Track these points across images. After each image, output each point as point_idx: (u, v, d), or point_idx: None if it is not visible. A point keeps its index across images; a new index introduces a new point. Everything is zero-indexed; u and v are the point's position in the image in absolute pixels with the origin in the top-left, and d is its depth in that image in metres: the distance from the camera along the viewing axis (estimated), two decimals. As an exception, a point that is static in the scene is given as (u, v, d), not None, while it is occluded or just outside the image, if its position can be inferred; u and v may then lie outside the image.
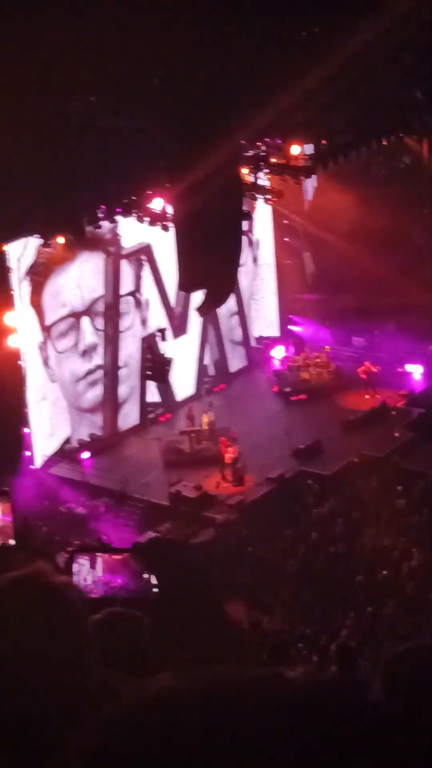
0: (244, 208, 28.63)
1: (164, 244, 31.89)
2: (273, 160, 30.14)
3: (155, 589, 5.02)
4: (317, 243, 38.45)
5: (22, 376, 30.39)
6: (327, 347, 37.35)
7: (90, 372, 33.01)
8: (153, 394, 34.99)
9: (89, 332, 32.69)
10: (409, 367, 35.76)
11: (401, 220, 36.02)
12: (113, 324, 33.40)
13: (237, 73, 23.45)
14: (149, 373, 33.13)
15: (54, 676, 2.21)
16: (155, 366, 32.55)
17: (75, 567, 4.81)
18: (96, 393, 33.37)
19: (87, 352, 32.76)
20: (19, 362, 30.04)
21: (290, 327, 39.66)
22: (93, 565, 4.93)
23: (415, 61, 26.09)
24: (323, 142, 29.63)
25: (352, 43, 23.27)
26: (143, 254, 34.11)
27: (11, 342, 29.12)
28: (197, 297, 31.71)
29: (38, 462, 31.50)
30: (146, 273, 34.51)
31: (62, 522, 28.79)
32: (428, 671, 1.99)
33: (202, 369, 37.07)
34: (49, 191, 24.85)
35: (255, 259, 38.87)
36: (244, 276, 36.50)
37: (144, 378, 33.96)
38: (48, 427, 31.87)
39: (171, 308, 35.35)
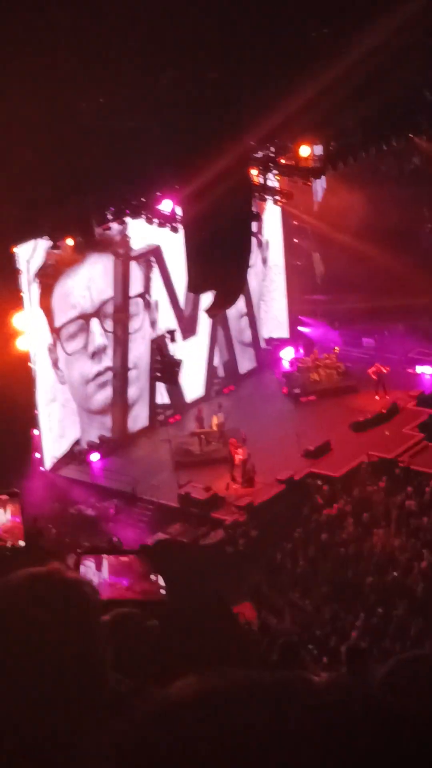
0: (254, 209, 28.63)
1: (173, 246, 31.89)
2: (282, 161, 30.11)
3: (162, 591, 5.00)
4: (327, 244, 38.38)
5: (32, 378, 30.43)
6: (336, 348, 37.30)
7: (99, 374, 33.01)
8: (162, 396, 34.97)
9: (99, 334, 32.68)
10: (419, 368, 35.71)
11: (411, 221, 35.98)
12: (122, 326, 33.40)
13: (246, 75, 23.44)
14: (159, 374, 33.10)
15: (72, 671, 2.21)
16: (165, 367, 32.52)
17: (81, 569, 4.79)
18: (105, 395, 33.36)
19: (96, 354, 32.76)
20: (29, 364, 30.09)
21: (300, 328, 39.62)
22: (99, 567, 4.91)
23: (424, 62, 26.07)
24: (332, 143, 29.61)
25: (362, 45, 23.26)
26: (152, 256, 34.10)
27: (21, 344, 29.19)
28: (207, 298, 31.73)
29: (48, 464, 31.51)
30: (155, 274, 34.49)
31: (72, 523, 28.80)
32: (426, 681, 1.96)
33: (211, 370, 37.04)
34: (58, 193, 24.90)
35: (264, 261, 38.83)
36: (253, 277, 36.47)
37: (153, 380, 33.95)
38: (57, 429, 31.87)
39: (180, 310, 35.33)
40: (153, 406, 34.72)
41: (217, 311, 32.53)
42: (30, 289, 30.02)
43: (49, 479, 31.10)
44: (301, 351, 38.29)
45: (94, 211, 27.59)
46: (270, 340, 39.32)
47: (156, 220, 29.22)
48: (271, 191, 31.49)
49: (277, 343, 39.15)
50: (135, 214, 29.29)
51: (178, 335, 34.24)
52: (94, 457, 31.97)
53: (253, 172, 29.78)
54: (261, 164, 29.81)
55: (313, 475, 29.87)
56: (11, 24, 20.31)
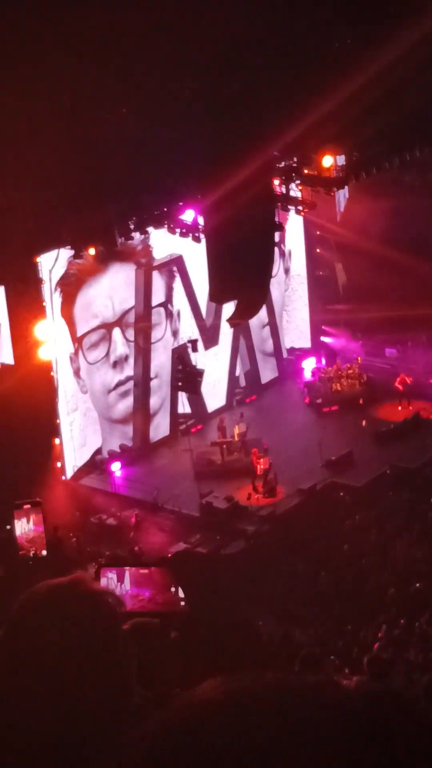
0: (276, 219, 28.63)
1: (196, 256, 31.92)
2: (305, 171, 30.10)
3: (183, 602, 4.98)
4: (349, 254, 38.36)
5: (54, 387, 30.51)
6: (359, 358, 37.25)
7: (121, 383, 33.06)
8: (184, 406, 34.99)
9: (120, 343, 32.74)
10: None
11: (434, 231, 35.91)
12: (144, 335, 33.45)
13: (269, 85, 23.44)
14: (180, 384, 33.13)
15: (97, 683, 2.19)
16: (186, 377, 32.53)
17: (103, 581, 4.77)
18: (127, 404, 33.40)
19: (118, 363, 32.81)
20: (51, 373, 30.18)
21: (322, 338, 39.60)
22: (121, 579, 4.90)
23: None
24: (355, 153, 29.58)
25: (385, 55, 23.22)
26: (175, 265, 34.16)
27: (43, 353, 29.28)
28: (229, 308, 31.74)
29: (69, 473, 31.55)
30: (177, 284, 34.55)
31: (93, 533, 28.82)
32: None
33: (233, 380, 37.06)
34: (80, 203, 24.95)
35: (287, 271, 38.85)
36: (275, 287, 36.49)
37: (175, 389, 33.97)
38: (79, 438, 31.92)
39: (202, 319, 35.36)
40: (174, 416, 34.74)
41: (239, 321, 32.52)
42: (52, 299, 30.11)
43: (70, 488, 31.14)
44: (324, 361, 38.25)
45: (116, 220, 27.66)
46: (292, 350, 39.33)
47: (178, 230, 29.26)
48: (294, 201, 31.49)
49: (299, 353, 39.15)
50: (157, 224, 29.36)
51: (200, 345, 34.25)
52: (116, 466, 31.98)
53: (276, 182, 29.80)
54: (284, 174, 29.82)
55: (335, 486, 29.81)
56: (35, 35, 20.38)
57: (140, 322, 33.24)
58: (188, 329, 34.79)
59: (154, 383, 34.02)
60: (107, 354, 32.50)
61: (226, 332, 35.83)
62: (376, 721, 1.45)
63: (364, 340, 38.24)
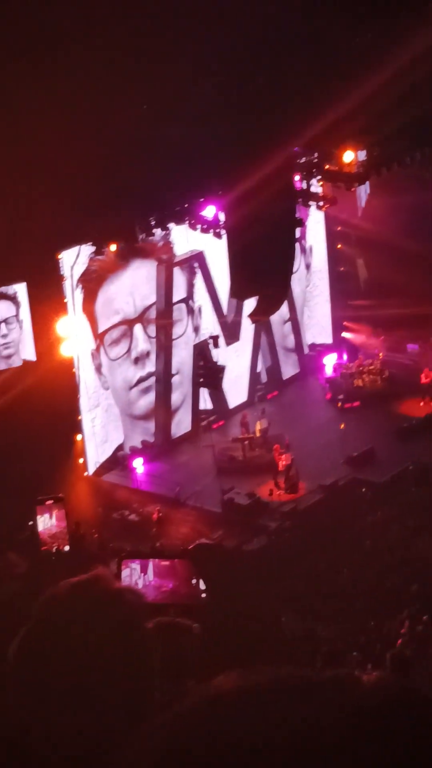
0: (297, 215, 28.59)
1: (217, 252, 31.92)
2: (326, 166, 30.04)
3: (203, 595, 4.99)
4: (371, 249, 38.27)
5: (76, 384, 30.58)
6: (380, 354, 37.17)
7: (142, 379, 33.09)
8: (205, 402, 35.00)
9: (142, 339, 32.77)
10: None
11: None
12: (166, 331, 33.47)
13: (290, 80, 23.41)
14: (202, 380, 33.14)
15: (118, 680, 2.21)
16: (208, 373, 32.55)
17: (126, 572, 4.79)
18: (148, 400, 33.43)
19: (139, 360, 32.85)
20: (73, 370, 30.25)
21: (343, 334, 39.53)
22: (144, 570, 4.92)
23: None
24: (376, 148, 29.50)
25: (406, 50, 23.15)
26: (196, 261, 34.16)
27: (65, 350, 29.36)
28: (250, 304, 31.71)
29: (91, 469, 31.62)
30: (199, 280, 34.55)
31: (115, 529, 28.88)
32: None
33: (254, 376, 37.04)
34: (101, 199, 24.98)
35: (308, 266, 38.80)
36: (296, 283, 36.44)
37: (196, 385, 33.98)
38: (101, 434, 31.98)
39: (223, 315, 35.35)
40: (196, 412, 34.75)
41: (260, 317, 32.50)
42: (74, 295, 30.17)
43: (92, 484, 31.21)
44: (345, 357, 38.17)
45: (137, 217, 27.69)
46: (313, 346, 39.27)
47: (199, 226, 29.27)
48: (315, 197, 31.41)
49: (320, 349, 39.08)
50: (178, 220, 29.37)
51: (221, 341, 34.25)
52: (138, 462, 32.02)
53: (297, 177, 29.75)
54: (305, 170, 29.76)
55: (357, 482, 29.77)
56: (57, 34, 20.43)
57: (161, 319, 33.25)
58: (209, 325, 34.80)
59: (175, 379, 34.04)
60: (128, 350, 32.54)
61: (247, 328, 35.81)
62: (393, 717, 1.45)
63: (386, 335, 38.14)
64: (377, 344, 38.06)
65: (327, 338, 39.65)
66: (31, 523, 21.58)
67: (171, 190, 27.17)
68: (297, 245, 32.25)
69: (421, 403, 34.29)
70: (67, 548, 13.63)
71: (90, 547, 25.32)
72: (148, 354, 33.05)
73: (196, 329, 34.61)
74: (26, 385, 27.72)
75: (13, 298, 29.04)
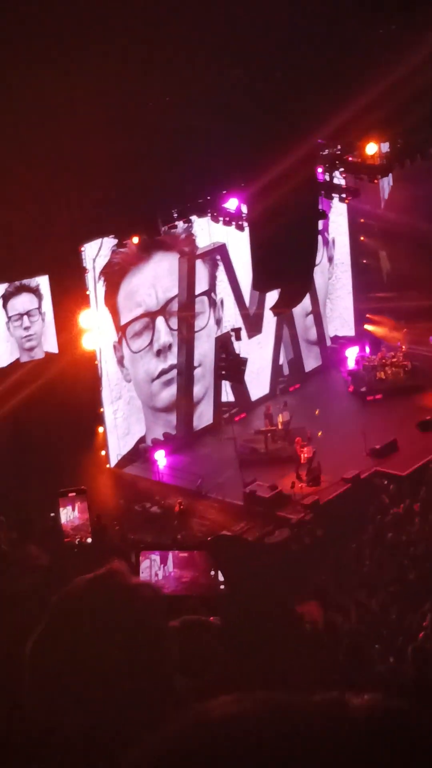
0: (320, 207, 28.54)
1: (239, 244, 31.90)
2: (349, 158, 29.97)
3: (222, 587, 5.01)
4: (394, 241, 38.16)
5: (98, 376, 30.64)
6: (403, 346, 37.07)
7: (164, 372, 33.11)
8: (227, 394, 35.01)
9: (164, 332, 32.79)
10: None
11: None
12: (188, 324, 33.46)
13: (313, 72, 23.36)
14: (224, 372, 33.14)
15: (135, 674, 2.21)
16: (230, 365, 32.53)
17: (145, 563, 4.82)
18: (170, 392, 33.46)
19: (161, 352, 32.87)
20: (95, 362, 30.31)
21: (366, 326, 39.43)
22: (164, 561, 4.94)
23: None
24: (399, 140, 29.41)
25: (430, 41, 23.05)
26: (218, 254, 34.14)
27: (87, 342, 29.42)
28: (272, 296, 31.69)
29: (113, 461, 31.68)
30: (221, 273, 34.53)
31: (137, 521, 28.94)
32: None
33: (276, 369, 37.01)
34: (124, 192, 25.01)
35: (330, 259, 38.71)
36: (319, 275, 36.35)
37: (218, 378, 33.98)
38: (123, 427, 32.04)
39: (246, 308, 35.33)
40: (218, 404, 34.76)
41: (282, 309, 32.47)
42: (96, 288, 30.21)
43: (114, 477, 31.28)
44: (368, 349, 38.09)
45: (160, 209, 27.70)
46: (336, 339, 39.20)
47: (222, 219, 29.25)
48: (338, 189, 31.35)
49: (343, 342, 39.01)
50: (201, 213, 29.36)
51: (244, 333, 34.22)
52: (159, 454, 32.06)
53: (319, 169, 29.69)
54: (327, 162, 29.70)
55: (379, 474, 29.72)
56: (77, 24, 20.44)
57: (183, 311, 33.25)
58: (231, 318, 34.78)
59: (197, 372, 34.05)
60: (151, 343, 32.56)
61: (269, 321, 35.78)
62: (382, 745, 1.45)
63: (408, 328, 38.02)
64: (400, 337, 37.93)
65: (349, 331, 39.57)
66: (53, 514, 21.68)
67: (193, 183, 27.17)
68: (319, 237, 32.17)
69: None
70: (89, 540, 13.66)
71: (111, 540, 25.36)
72: (170, 346, 33.07)
73: (218, 322, 34.59)
74: (48, 377, 27.81)
75: (35, 291, 29.12)
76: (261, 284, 29.22)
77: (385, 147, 29.83)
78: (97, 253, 29.82)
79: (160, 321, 32.66)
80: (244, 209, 28.34)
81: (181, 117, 23.81)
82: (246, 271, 31.96)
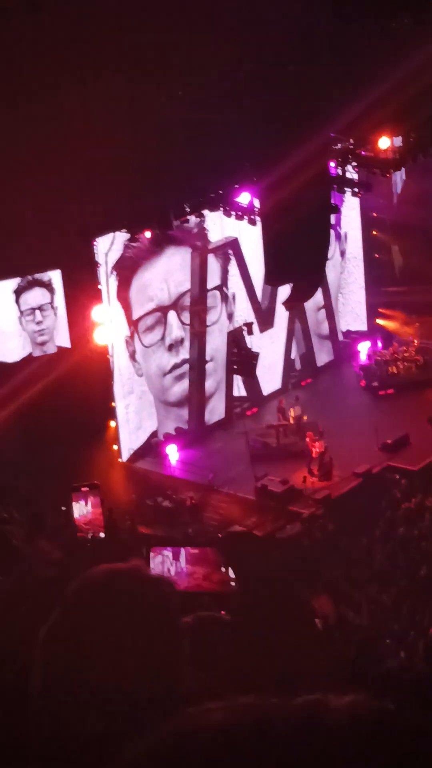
0: (332, 201, 28.49)
1: (251, 238, 31.88)
2: (362, 153, 29.92)
3: (233, 583, 5.01)
4: (406, 236, 38.09)
5: (110, 370, 30.66)
6: (415, 341, 37.02)
7: (176, 366, 33.12)
8: (239, 389, 35.00)
9: (176, 326, 32.80)
10: None
11: None
12: (200, 318, 33.46)
13: (326, 66, 23.32)
14: (236, 367, 33.13)
15: (149, 666, 2.22)
16: (242, 360, 32.52)
17: (158, 559, 4.83)
18: (182, 387, 33.47)
19: (173, 347, 32.87)
20: (107, 356, 30.33)
21: (378, 321, 39.38)
22: (176, 557, 4.95)
23: None
24: (412, 134, 29.34)
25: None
26: (230, 248, 34.12)
27: (99, 336, 29.44)
28: (284, 291, 31.67)
29: (125, 455, 31.71)
30: (233, 267, 34.52)
31: (148, 515, 28.97)
32: None
33: (288, 363, 36.99)
34: (136, 186, 25.01)
35: (342, 253, 38.66)
36: (331, 270, 36.32)
37: (230, 372, 33.97)
38: (135, 421, 32.06)
39: (258, 302, 35.32)
40: (230, 399, 34.76)
41: (294, 304, 32.43)
42: (108, 282, 30.23)
43: (126, 471, 31.31)
44: (380, 344, 38.04)
45: (172, 203, 27.70)
46: (348, 333, 39.17)
47: (234, 213, 29.23)
48: (350, 183, 31.29)
49: (355, 336, 38.98)
50: (213, 207, 29.35)
51: (255, 328, 34.20)
52: (171, 449, 32.07)
53: (332, 164, 29.64)
54: (340, 156, 29.65)
55: (390, 469, 29.70)
56: (89, 18, 20.45)
57: (196, 305, 33.26)
58: (243, 312, 34.77)
59: (209, 366, 34.05)
60: (163, 337, 32.57)
61: (281, 315, 35.75)
62: (363, 747, 1.45)
63: (421, 322, 37.96)
64: (412, 331, 37.88)
65: (361, 325, 39.53)
66: (64, 508, 21.68)
67: (205, 177, 27.15)
68: (332, 232, 32.12)
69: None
70: (102, 535, 13.69)
71: (122, 534, 25.40)
72: (182, 341, 33.07)
73: (230, 316, 34.59)
74: (61, 371, 27.85)
75: (47, 285, 29.16)
76: (273, 278, 29.19)
77: (398, 141, 29.76)
78: (109, 247, 29.84)
79: (172, 315, 32.67)
80: (257, 203, 28.33)
81: (194, 111, 23.80)
82: (258, 265, 31.94)
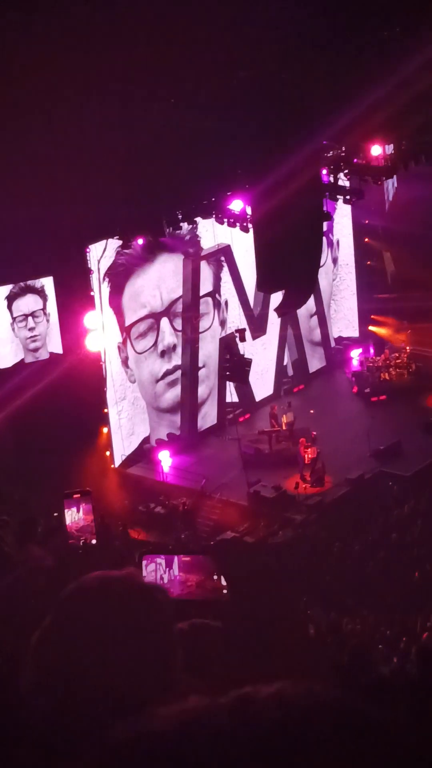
0: (324, 208, 28.55)
1: (243, 245, 31.94)
2: (354, 160, 29.97)
3: (225, 591, 5.03)
4: (397, 243, 38.15)
5: (102, 377, 30.66)
6: (407, 347, 37.07)
7: (169, 372, 33.14)
8: (232, 395, 35.01)
9: (168, 333, 32.82)
10: None
11: None
12: (192, 325, 33.48)
13: (319, 74, 23.37)
14: (228, 373, 33.15)
15: (141, 672, 2.24)
16: (234, 366, 32.55)
17: (151, 567, 4.85)
18: (175, 393, 33.48)
19: (166, 353, 32.89)
20: (100, 363, 30.33)
21: (370, 328, 39.44)
22: (170, 565, 4.97)
23: None
24: (404, 142, 29.40)
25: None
26: (222, 255, 34.17)
27: (91, 343, 29.44)
28: (276, 297, 31.71)
29: (117, 461, 31.71)
30: (225, 274, 34.56)
31: (141, 521, 28.95)
32: None
33: (281, 369, 37.02)
34: (129, 193, 25.03)
35: (335, 260, 38.72)
36: (323, 276, 36.38)
37: (223, 378, 33.99)
38: (127, 427, 32.06)
39: (250, 309, 35.35)
40: (222, 405, 34.77)
41: (286, 310, 32.47)
42: (101, 289, 30.25)
43: (118, 477, 31.30)
44: (372, 350, 38.10)
45: (164, 210, 27.73)
46: (340, 339, 39.21)
47: (226, 220, 29.27)
48: (342, 190, 31.35)
49: (347, 343, 39.02)
50: (205, 214, 29.38)
51: (248, 334, 34.25)
52: (164, 455, 32.07)
53: (324, 171, 29.69)
54: (332, 163, 29.70)
55: (383, 475, 29.72)
56: (82, 24, 20.47)
57: (188, 312, 33.28)
58: (236, 319, 34.80)
59: (201, 372, 34.07)
60: (155, 343, 32.59)
61: (273, 322, 35.78)
62: (292, 730, 1.48)
63: (413, 329, 38.02)
64: (404, 338, 37.94)
65: (354, 332, 39.58)
66: (56, 514, 21.69)
67: (198, 184, 27.18)
68: (324, 239, 32.17)
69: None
70: (94, 542, 13.70)
71: (114, 540, 25.39)
72: (174, 347, 33.09)
73: (223, 323, 34.62)
74: (53, 378, 27.85)
75: (40, 292, 29.17)
76: (265, 285, 29.25)
77: (390, 149, 29.81)
78: (101, 254, 29.87)
79: (164, 322, 32.70)
80: (249, 211, 28.36)
81: (186, 119, 23.83)
82: (250, 272, 31.99)
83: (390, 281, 39.67)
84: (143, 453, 32.44)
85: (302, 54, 22.77)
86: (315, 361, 38.33)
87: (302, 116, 23.86)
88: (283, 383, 36.99)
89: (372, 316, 39.45)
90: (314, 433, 31.47)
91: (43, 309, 29.20)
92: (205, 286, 33.90)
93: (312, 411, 33.48)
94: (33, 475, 26.21)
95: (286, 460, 31.26)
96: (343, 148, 29.43)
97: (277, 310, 32.11)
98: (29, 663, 2.33)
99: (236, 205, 28.82)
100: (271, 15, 21.14)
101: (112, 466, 31.44)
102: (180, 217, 28.47)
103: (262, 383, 36.01)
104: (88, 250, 29.42)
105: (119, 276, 30.97)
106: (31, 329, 29.17)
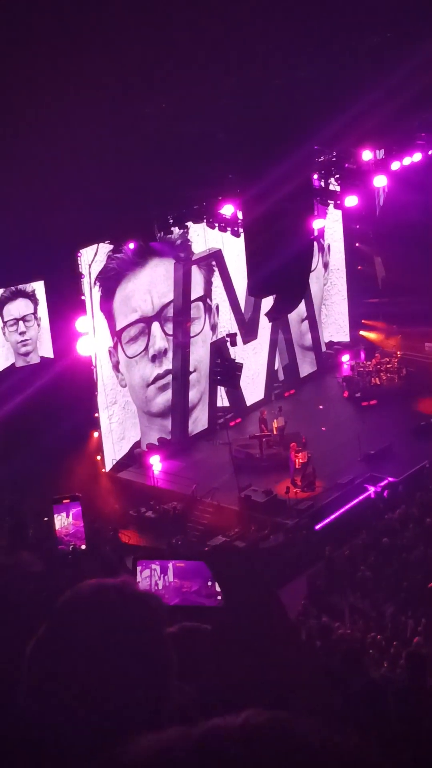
0: (315, 213, 28.60)
1: (234, 250, 31.96)
2: (345, 165, 30.03)
3: (219, 597, 5.03)
4: (389, 247, 38.21)
5: (93, 381, 30.65)
6: (398, 352, 37.13)
7: (160, 377, 33.13)
8: (222, 399, 35.03)
9: (159, 337, 32.82)
10: None
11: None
12: (183, 329, 33.49)
13: (310, 79, 23.42)
14: (219, 378, 33.16)
15: (137, 681, 2.24)
16: (225, 371, 32.56)
17: (146, 573, 4.84)
18: (165, 398, 33.48)
19: (157, 357, 32.89)
20: (90, 367, 30.31)
21: (361, 332, 39.50)
22: (164, 571, 4.96)
23: None
24: (394, 147, 29.50)
25: (423, 49, 23.15)
26: (213, 260, 34.18)
27: (82, 347, 29.42)
28: (267, 302, 31.73)
29: (108, 466, 31.68)
30: (216, 278, 34.57)
31: (132, 525, 28.94)
32: None
33: (271, 374, 37.05)
34: (120, 198, 25.03)
35: (326, 265, 38.77)
36: (314, 281, 36.42)
37: (214, 383, 34.00)
38: (118, 432, 32.05)
39: (241, 313, 35.37)
40: (213, 409, 34.78)
41: (277, 315, 32.51)
42: (92, 293, 30.23)
43: (109, 481, 31.27)
44: (362, 355, 38.16)
45: (156, 215, 27.75)
46: (331, 344, 39.27)
47: (217, 224, 29.30)
48: (333, 195, 31.42)
49: (338, 347, 39.09)
50: (196, 219, 29.41)
51: (239, 339, 34.27)
52: (154, 459, 32.07)
53: (315, 176, 29.75)
54: (323, 168, 29.77)
55: (374, 479, 29.75)
56: (75, 28, 20.47)
57: (179, 317, 33.29)
58: (227, 323, 34.82)
59: (192, 377, 34.08)
60: (146, 348, 32.59)
61: (264, 326, 35.81)
62: (254, 761, 1.50)
63: (403, 333, 38.09)
64: (394, 342, 38.01)
65: (344, 336, 39.64)
66: (46, 519, 21.66)
67: (189, 189, 27.21)
68: (315, 244, 32.23)
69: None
70: (83, 547, 13.68)
71: (106, 545, 25.37)
72: (165, 352, 33.09)
73: (214, 327, 34.64)
74: (44, 382, 27.83)
75: (31, 296, 29.15)
76: (256, 290, 29.30)
77: (381, 154, 29.90)
78: (93, 258, 29.86)
79: (155, 326, 32.69)
80: (240, 215, 28.40)
81: (178, 123, 23.85)
82: (241, 276, 32.02)
83: (381, 286, 39.71)
84: (134, 457, 32.42)
85: (294, 59, 22.82)
86: (306, 366, 38.37)
87: (293, 121, 23.89)
88: (274, 388, 37.02)
89: (363, 321, 39.52)
90: (305, 437, 31.51)
91: (34, 313, 29.18)
92: (196, 290, 33.91)
93: (321, 407, 33.50)
94: (23, 480, 26.16)
95: (277, 465, 31.28)
96: (334, 153, 29.51)
97: (268, 314, 32.16)
98: (25, 672, 2.32)
99: (227, 209, 28.86)
100: (263, 21, 21.17)
101: (103, 470, 31.42)
102: (171, 221, 28.50)
103: (253, 388, 36.04)
104: (79, 254, 29.41)
105: (110, 280, 30.95)
106: (22, 333, 29.16)
